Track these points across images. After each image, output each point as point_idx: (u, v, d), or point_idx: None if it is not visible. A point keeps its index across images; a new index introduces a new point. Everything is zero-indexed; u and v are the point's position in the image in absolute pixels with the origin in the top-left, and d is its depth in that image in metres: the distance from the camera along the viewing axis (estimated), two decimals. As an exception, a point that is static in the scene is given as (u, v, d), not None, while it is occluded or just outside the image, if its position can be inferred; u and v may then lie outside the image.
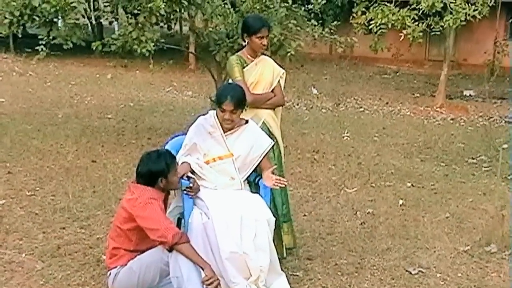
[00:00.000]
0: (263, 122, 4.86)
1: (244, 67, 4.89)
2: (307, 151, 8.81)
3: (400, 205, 6.57)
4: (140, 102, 12.30)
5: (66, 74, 15.63)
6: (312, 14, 10.21)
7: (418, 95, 15.92)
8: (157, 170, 4.07)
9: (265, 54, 5.16)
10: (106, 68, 16.80)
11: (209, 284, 3.82)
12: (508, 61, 18.18)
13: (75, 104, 11.59)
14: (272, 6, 8.73)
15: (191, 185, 4.31)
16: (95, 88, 13.75)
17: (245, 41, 4.94)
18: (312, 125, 10.98)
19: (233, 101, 4.35)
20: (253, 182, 4.65)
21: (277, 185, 4.40)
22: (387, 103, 14.41)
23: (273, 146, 4.68)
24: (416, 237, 5.65)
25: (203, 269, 3.88)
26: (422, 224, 6.02)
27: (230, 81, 4.99)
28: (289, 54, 8.68)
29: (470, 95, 16.03)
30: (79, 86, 13.86)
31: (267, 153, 4.57)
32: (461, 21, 12.40)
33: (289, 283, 4.44)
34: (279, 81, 5.04)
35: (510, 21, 17.69)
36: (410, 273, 4.87)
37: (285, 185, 4.72)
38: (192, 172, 4.38)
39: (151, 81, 15.44)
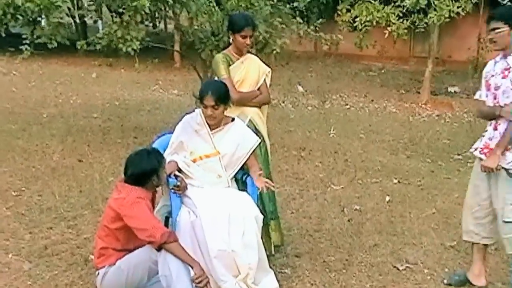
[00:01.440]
0: (250, 120, 4.87)
1: (230, 65, 4.89)
2: (293, 149, 8.82)
3: (387, 202, 6.60)
4: (125, 101, 12.24)
5: (51, 73, 15.50)
6: (297, 12, 10.22)
7: (403, 91, 15.96)
8: (151, 169, 4.06)
9: (250, 52, 5.16)
10: (91, 67, 16.72)
11: (199, 282, 3.82)
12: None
13: (60, 103, 11.51)
14: (257, 3, 8.72)
15: (178, 183, 4.31)
16: (80, 87, 13.66)
17: (230, 38, 4.95)
18: (298, 122, 10.99)
19: (214, 96, 4.34)
20: (240, 180, 4.65)
21: (266, 188, 4.40)
22: (372, 100, 14.44)
23: (259, 144, 4.68)
24: (403, 233, 5.69)
25: (192, 268, 3.87)
26: (409, 220, 6.06)
27: (216, 78, 4.98)
28: (274, 52, 8.69)
29: (455, 91, 16.09)
30: (64, 85, 13.76)
31: (253, 150, 4.58)
32: (445, 17, 12.49)
33: (278, 280, 4.45)
34: (265, 79, 5.05)
35: (493, 17, 17.76)
36: (398, 269, 4.90)
37: (273, 186, 4.74)
38: (179, 170, 4.38)
39: (136, 79, 15.35)
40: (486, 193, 4.41)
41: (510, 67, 4.16)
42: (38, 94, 12.27)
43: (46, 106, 11.04)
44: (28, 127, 9.17)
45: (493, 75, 4.30)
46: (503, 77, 4.19)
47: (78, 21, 20.77)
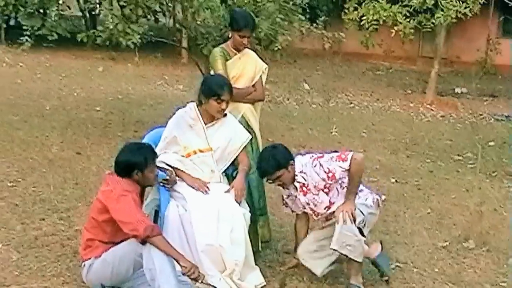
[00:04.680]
0: (242, 115, 4.86)
1: (227, 60, 4.88)
2: (293, 146, 8.76)
3: (382, 201, 6.54)
4: (129, 95, 12.26)
5: (57, 66, 15.54)
6: (302, 9, 10.15)
7: (409, 91, 15.93)
8: (134, 162, 4.05)
9: (254, 50, 5.15)
10: (97, 61, 16.75)
11: (191, 274, 3.82)
12: (500, 59, 18.22)
13: (64, 96, 11.53)
14: (260, 0, 8.69)
15: (167, 177, 4.32)
16: (85, 80, 13.68)
17: (229, 34, 4.95)
18: (301, 120, 10.96)
19: (230, 90, 4.43)
20: (231, 175, 4.65)
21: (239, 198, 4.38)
22: (377, 99, 14.42)
23: (251, 140, 4.70)
24: (396, 233, 5.67)
25: (177, 261, 3.88)
26: (402, 219, 6.04)
27: (212, 73, 4.97)
28: (277, 49, 8.66)
29: (461, 92, 16.04)
30: (69, 78, 13.79)
31: (244, 147, 4.58)
32: (451, 18, 12.43)
33: (266, 276, 4.47)
34: (261, 76, 5.04)
35: (501, 18, 17.72)
36: (387, 267, 4.87)
37: (262, 180, 4.76)
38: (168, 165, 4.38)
39: (142, 74, 15.38)
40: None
41: (304, 183, 4.40)
42: (42, 86, 12.29)
43: (49, 98, 11.06)
44: (29, 119, 9.19)
45: (296, 197, 4.50)
46: (304, 194, 4.43)
47: (87, 14, 20.84)
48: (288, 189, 4.53)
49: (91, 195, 6.01)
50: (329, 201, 4.40)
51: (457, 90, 16.19)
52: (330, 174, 4.29)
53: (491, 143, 9.35)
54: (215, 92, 4.39)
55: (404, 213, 6.21)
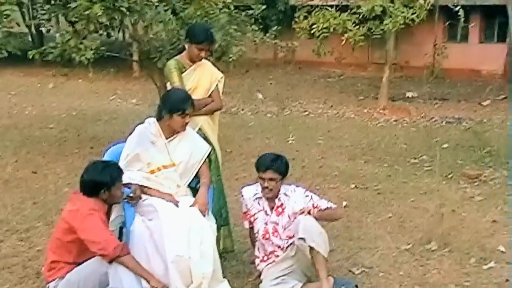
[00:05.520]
0: (199, 128, 4.85)
1: (182, 72, 4.86)
2: (251, 156, 8.77)
3: (344, 207, 6.62)
4: (83, 111, 12.10)
5: (5, 84, 15.26)
6: (254, 20, 10.22)
7: (362, 97, 16.13)
8: (101, 181, 3.99)
9: (208, 60, 5.14)
10: (47, 78, 16.51)
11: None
12: (447, 63, 18.64)
13: (15, 114, 11.32)
14: (212, 12, 8.72)
15: (131, 194, 4.27)
16: (36, 98, 13.45)
17: (185, 46, 4.92)
18: (257, 130, 10.99)
19: (192, 102, 4.45)
20: (195, 188, 4.62)
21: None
22: (331, 106, 14.56)
23: (209, 152, 4.68)
24: (359, 238, 5.72)
25: (148, 281, 3.83)
26: (365, 224, 6.10)
27: (168, 85, 4.93)
28: (231, 60, 8.68)
29: (412, 96, 16.31)
30: (19, 96, 13.54)
31: (206, 158, 4.57)
32: (400, 24, 12.68)
33: (234, 287, 4.44)
34: (217, 85, 5.04)
35: (446, 23, 18.13)
36: (353, 273, 4.92)
37: (223, 190, 4.77)
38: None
39: (94, 89, 15.21)
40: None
41: (282, 204, 4.55)
42: (-9, 106, 12.05)
43: (0, 117, 10.83)
44: (-20, 139, 9.00)
45: (260, 210, 4.62)
46: (277, 214, 4.56)
47: (34, 31, 20.51)
48: (267, 199, 4.56)
49: (51, 214, 5.92)
50: (295, 234, 4.42)
51: (408, 94, 16.46)
52: (316, 210, 4.46)
53: (445, 145, 9.52)
54: (179, 107, 4.37)
55: (366, 218, 6.27)
